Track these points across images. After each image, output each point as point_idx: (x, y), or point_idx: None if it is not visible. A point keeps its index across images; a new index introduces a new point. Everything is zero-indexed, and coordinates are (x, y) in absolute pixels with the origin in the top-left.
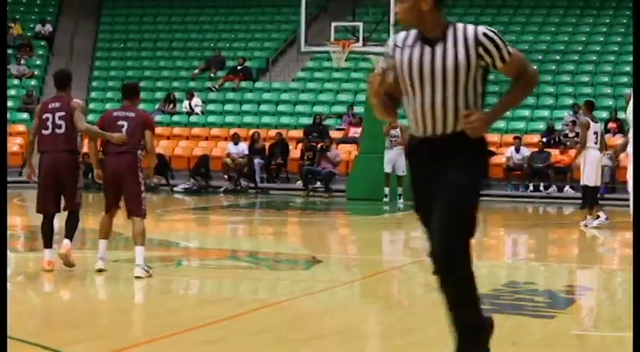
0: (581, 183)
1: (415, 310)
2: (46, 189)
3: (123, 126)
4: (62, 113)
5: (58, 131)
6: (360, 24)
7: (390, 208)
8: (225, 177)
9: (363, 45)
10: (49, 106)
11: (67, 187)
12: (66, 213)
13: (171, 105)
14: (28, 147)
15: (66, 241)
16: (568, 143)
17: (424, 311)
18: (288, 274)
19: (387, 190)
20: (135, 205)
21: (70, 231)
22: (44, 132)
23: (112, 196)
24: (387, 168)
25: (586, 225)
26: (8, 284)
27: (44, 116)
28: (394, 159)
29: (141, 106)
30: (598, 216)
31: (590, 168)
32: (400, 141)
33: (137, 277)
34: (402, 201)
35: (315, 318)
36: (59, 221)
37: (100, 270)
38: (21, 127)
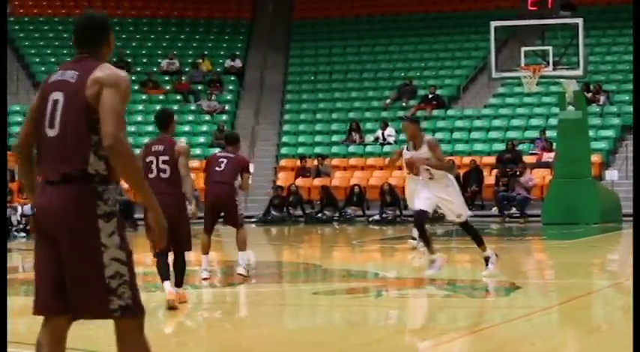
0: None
1: (614, 335)
2: None
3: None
4: (166, 157)
5: (162, 175)
6: (550, 48)
7: (584, 232)
8: None
9: (554, 69)
10: (152, 149)
11: (178, 229)
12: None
13: (358, 135)
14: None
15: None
16: None
17: (624, 335)
18: (486, 301)
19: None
20: (235, 220)
21: (177, 275)
22: (149, 175)
23: (212, 219)
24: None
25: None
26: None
27: (148, 159)
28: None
29: (334, 138)
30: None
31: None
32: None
33: (239, 274)
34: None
35: (515, 345)
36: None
37: (205, 279)
38: None
